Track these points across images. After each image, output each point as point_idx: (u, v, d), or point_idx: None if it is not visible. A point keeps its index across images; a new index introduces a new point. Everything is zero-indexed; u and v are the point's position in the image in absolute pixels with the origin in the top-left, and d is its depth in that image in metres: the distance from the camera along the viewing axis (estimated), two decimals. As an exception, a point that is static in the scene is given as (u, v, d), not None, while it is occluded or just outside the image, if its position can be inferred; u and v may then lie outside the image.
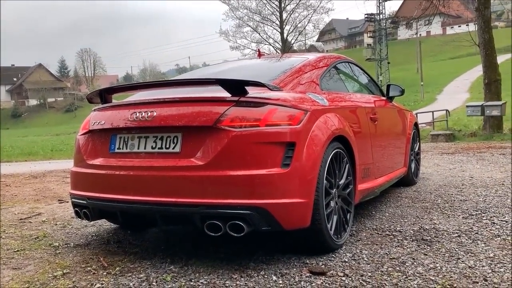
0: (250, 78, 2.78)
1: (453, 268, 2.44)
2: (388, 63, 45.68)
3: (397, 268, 2.48)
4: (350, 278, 2.35)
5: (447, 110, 18.01)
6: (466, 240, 2.94)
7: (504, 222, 3.33)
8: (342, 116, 3.06)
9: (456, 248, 2.78)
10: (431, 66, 51.42)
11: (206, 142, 2.49)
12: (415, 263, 2.55)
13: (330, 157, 2.75)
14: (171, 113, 2.60)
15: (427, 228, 3.25)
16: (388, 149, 4.12)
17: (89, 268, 2.64)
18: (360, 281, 2.31)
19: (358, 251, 2.80)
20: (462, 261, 2.54)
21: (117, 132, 2.82)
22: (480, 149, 9.13)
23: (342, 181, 2.95)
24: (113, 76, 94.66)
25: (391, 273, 2.40)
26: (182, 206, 2.47)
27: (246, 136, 2.44)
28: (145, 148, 2.69)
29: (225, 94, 2.56)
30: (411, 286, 2.23)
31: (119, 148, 2.79)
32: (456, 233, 3.10)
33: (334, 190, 2.83)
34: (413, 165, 5.06)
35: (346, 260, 2.64)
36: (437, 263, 2.53)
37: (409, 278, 2.33)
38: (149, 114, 2.64)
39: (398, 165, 4.46)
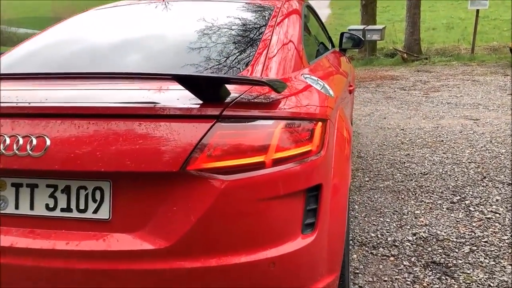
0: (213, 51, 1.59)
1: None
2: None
3: None
4: None
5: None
6: (484, 259, 2.33)
7: (497, 214, 2.81)
8: (343, 107, 2.06)
9: (487, 280, 2.15)
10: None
11: (164, 200, 1.30)
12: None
13: None
14: (87, 141, 1.31)
15: (423, 236, 2.58)
16: None
17: None
18: None
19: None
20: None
21: None
22: (374, 80, 8.95)
23: None
24: None
25: None
26: None
27: (244, 189, 1.31)
28: (32, 209, 1.37)
29: (187, 98, 1.34)
30: None
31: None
32: (465, 244, 2.47)
33: None
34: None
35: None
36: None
37: None
38: (34, 142, 1.31)
39: None
